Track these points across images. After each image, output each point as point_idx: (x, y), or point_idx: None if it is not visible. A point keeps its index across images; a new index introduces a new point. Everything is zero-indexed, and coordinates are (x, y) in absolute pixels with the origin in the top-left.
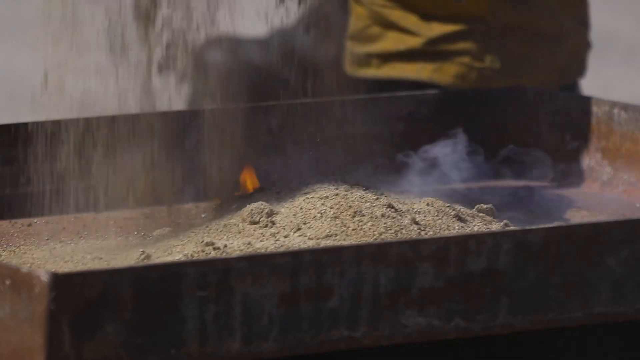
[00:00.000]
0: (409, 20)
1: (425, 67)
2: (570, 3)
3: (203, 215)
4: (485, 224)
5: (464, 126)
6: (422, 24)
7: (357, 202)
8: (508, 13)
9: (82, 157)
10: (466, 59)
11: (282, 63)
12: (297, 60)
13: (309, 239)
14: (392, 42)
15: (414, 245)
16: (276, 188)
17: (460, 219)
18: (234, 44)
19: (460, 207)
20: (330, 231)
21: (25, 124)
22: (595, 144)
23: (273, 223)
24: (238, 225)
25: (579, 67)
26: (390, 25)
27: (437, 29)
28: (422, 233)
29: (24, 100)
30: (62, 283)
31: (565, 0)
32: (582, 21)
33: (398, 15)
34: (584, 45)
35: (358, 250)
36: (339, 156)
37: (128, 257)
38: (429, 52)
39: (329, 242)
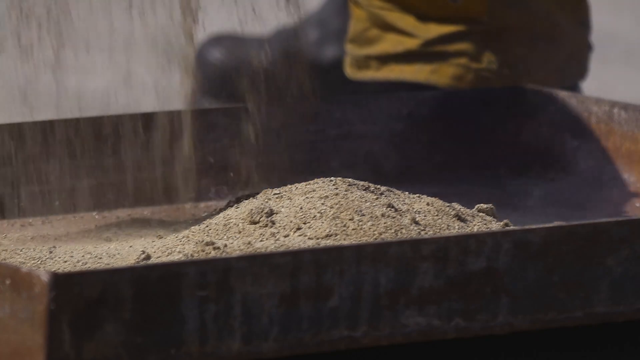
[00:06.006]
0: (407, 21)
1: (423, 68)
2: (569, 4)
3: (203, 215)
4: (485, 224)
5: (464, 126)
6: (419, 26)
7: (357, 202)
8: (505, 14)
9: (82, 156)
10: (463, 60)
11: (283, 63)
12: (297, 60)
13: (309, 238)
14: (390, 44)
15: (414, 245)
16: (276, 188)
17: (460, 218)
18: (235, 42)
19: (460, 207)
20: (330, 231)
21: (24, 124)
22: (595, 144)
23: (273, 223)
24: (238, 225)
25: (579, 69)
26: (388, 27)
27: (434, 30)
28: (422, 233)
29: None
30: (62, 283)
31: (563, 1)
32: (582, 22)
33: (396, 17)
34: (584, 47)
35: (358, 250)
36: (339, 156)
37: (128, 257)
38: (426, 53)
39: (329, 242)
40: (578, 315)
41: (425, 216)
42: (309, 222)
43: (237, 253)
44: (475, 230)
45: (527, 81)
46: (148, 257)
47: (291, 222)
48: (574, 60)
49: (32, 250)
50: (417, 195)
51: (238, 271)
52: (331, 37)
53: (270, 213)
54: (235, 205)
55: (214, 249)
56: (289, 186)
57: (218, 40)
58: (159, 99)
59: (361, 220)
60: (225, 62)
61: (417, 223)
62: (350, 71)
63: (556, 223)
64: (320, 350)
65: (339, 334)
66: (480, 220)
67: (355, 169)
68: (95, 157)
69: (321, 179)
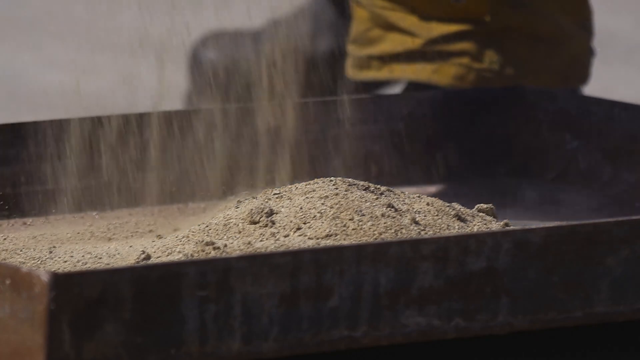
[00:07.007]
0: (409, 21)
1: (425, 68)
2: (572, 7)
3: (203, 215)
4: (485, 224)
5: (464, 126)
6: (421, 25)
7: (357, 202)
8: (507, 14)
9: (83, 156)
10: (465, 60)
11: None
12: (294, 57)
13: (309, 238)
14: (392, 43)
15: (414, 245)
16: (276, 188)
17: (460, 218)
18: (232, 40)
19: (460, 206)
20: (330, 231)
21: (24, 124)
22: (595, 144)
23: (273, 223)
24: (238, 225)
25: (581, 73)
26: (390, 27)
27: (436, 29)
28: (422, 233)
29: (23, 100)
30: (62, 283)
31: (566, 4)
32: (584, 26)
33: (398, 17)
34: (586, 51)
35: (358, 250)
36: (339, 156)
37: (128, 257)
38: (428, 53)
39: (329, 242)
40: (578, 315)
41: (425, 216)
42: (309, 222)
43: (237, 253)
44: (475, 230)
45: (528, 82)
46: (148, 257)
47: (291, 222)
48: (576, 63)
49: (32, 250)
50: (417, 195)
51: (238, 271)
52: (324, 30)
53: (270, 213)
54: (235, 205)
55: (214, 249)
56: (289, 186)
57: (211, 38)
58: (159, 99)
59: (361, 220)
60: (220, 61)
61: (417, 223)
62: (351, 72)
63: (556, 223)
64: (320, 350)
65: (339, 334)
66: (480, 220)
67: (355, 169)
68: (96, 157)
69: (321, 179)
